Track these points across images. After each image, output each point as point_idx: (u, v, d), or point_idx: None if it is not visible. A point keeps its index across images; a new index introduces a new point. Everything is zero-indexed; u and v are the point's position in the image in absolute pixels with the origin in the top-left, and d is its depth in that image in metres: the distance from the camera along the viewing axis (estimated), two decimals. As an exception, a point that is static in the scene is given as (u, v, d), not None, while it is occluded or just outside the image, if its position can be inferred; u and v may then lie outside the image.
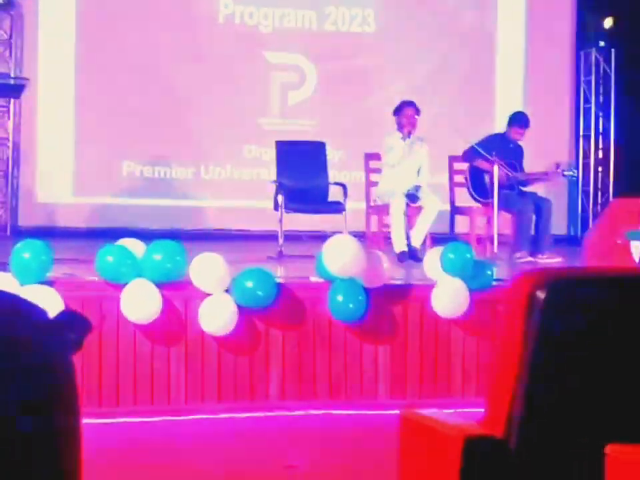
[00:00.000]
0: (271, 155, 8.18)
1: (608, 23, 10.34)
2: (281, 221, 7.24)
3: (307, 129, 9.32)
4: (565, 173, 7.93)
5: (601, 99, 10.31)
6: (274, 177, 7.60)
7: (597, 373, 2.62)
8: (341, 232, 7.14)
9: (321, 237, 8.19)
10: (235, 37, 9.34)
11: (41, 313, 0.96)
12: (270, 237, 8.23)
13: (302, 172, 7.54)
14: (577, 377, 2.61)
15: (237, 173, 9.28)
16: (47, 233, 8.11)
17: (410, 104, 7.46)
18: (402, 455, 2.96)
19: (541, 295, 2.63)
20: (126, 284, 4.98)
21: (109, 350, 5.08)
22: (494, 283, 5.66)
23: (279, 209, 7.26)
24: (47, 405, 1.04)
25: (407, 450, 2.97)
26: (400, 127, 7.45)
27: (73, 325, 1.00)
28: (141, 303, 4.95)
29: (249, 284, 5.16)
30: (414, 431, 2.95)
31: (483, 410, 5.20)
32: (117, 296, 4.99)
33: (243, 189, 9.19)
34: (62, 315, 1.00)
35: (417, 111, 7.46)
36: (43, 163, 8.87)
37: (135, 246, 5.20)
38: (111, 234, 8.18)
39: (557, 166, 7.92)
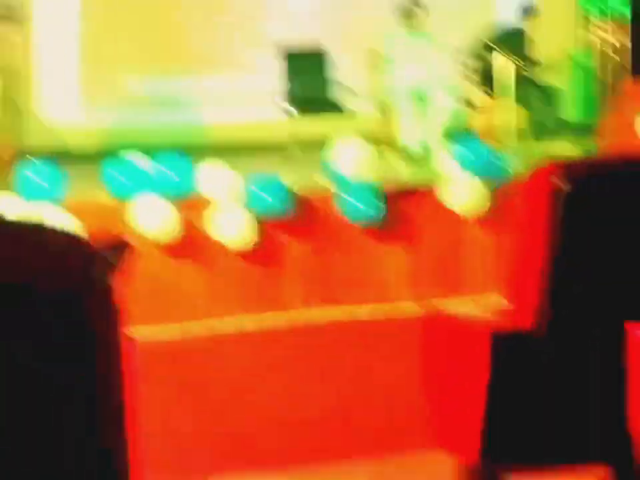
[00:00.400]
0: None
1: None
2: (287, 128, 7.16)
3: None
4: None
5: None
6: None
7: (622, 260, 2.59)
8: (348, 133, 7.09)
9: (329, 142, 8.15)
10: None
11: (72, 238, 0.91)
12: (277, 145, 8.16)
13: (307, 78, 7.43)
14: (602, 267, 2.59)
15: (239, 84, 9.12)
16: (55, 155, 8.05)
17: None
18: (427, 354, 2.95)
19: (563, 187, 2.59)
20: (137, 198, 4.93)
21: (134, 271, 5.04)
22: (510, 177, 5.60)
23: (288, 116, 7.16)
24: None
25: (432, 348, 2.96)
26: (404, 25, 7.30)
27: (110, 248, 0.96)
28: (157, 218, 4.91)
29: (263, 194, 5.12)
30: (439, 329, 2.94)
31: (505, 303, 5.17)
32: (130, 213, 4.95)
33: (246, 100, 9.05)
34: (98, 239, 0.95)
35: (420, 5, 7.28)
36: (46, 85, 8.75)
37: (143, 161, 5.14)
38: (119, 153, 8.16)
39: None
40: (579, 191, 2.64)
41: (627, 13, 9.82)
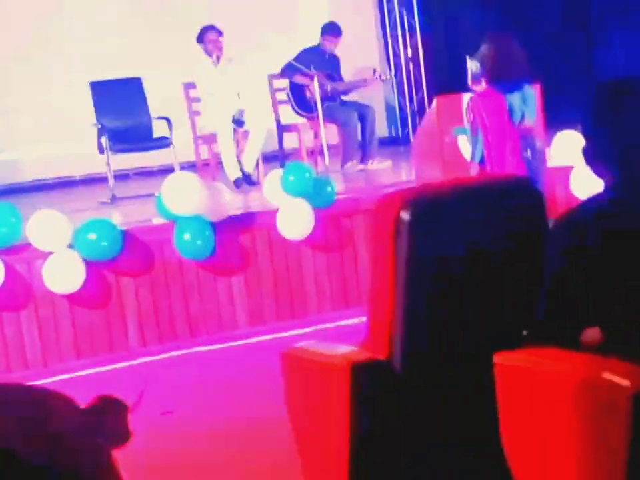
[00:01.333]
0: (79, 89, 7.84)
1: None
2: (108, 164, 7.03)
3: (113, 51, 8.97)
4: (383, 77, 8.05)
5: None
6: (87, 114, 7.32)
7: (473, 285, 2.69)
8: (170, 166, 7.04)
9: (149, 174, 8.08)
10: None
11: (73, 408, 0.86)
12: (93, 180, 8.00)
13: (122, 111, 7.32)
14: (454, 292, 2.68)
15: (47, 117, 8.85)
16: None
17: (211, 28, 7.32)
18: (289, 393, 2.97)
19: (405, 216, 2.67)
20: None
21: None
22: (335, 198, 5.73)
23: (105, 152, 7.04)
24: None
25: (293, 387, 2.98)
26: (208, 53, 7.32)
27: (107, 414, 0.90)
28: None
29: (92, 236, 5.01)
30: (297, 366, 2.96)
31: (343, 323, 5.30)
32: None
33: (56, 134, 8.80)
34: (95, 404, 0.90)
35: (220, 33, 7.33)
36: None
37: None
38: None
39: (374, 71, 8.02)
40: (421, 217, 2.74)
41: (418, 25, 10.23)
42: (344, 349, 2.85)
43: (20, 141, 8.74)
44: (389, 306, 2.72)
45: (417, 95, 10.31)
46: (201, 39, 7.34)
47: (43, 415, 0.81)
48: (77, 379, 5.04)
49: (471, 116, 5.16)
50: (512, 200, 2.82)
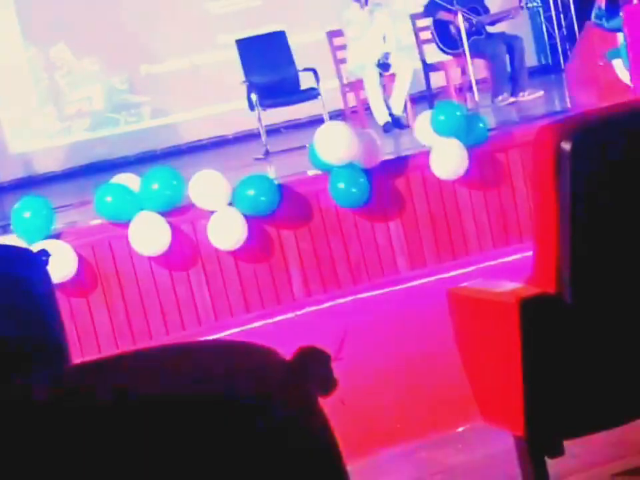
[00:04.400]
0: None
1: None
2: (259, 119, 7.13)
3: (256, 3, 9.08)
4: (529, 4, 7.80)
5: None
6: (237, 71, 7.43)
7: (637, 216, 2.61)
8: (319, 116, 7.08)
9: (300, 126, 8.15)
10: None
11: (280, 359, 0.87)
12: (248, 137, 8.14)
13: (269, 66, 7.39)
14: (620, 223, 2.60)
15: (199, 75, 9.03)
16: (30, 183, 7.99)
17: None
18: (457, 331, 2.97)
19: (566, 146, 2.59)
20: (130, 220, 4.92)
21: (131, 288, 5.06)
22: (487, 135, 5.63)
23: (255, 108, 7.13)
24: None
25: (461, 325, 2.97)
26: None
27: (312, 364, 0.92)
28: (149, 235, 4.91)
29: (251, 192, 5.11)
30: (465, 305, 2.96)
31: (506, 260, 5.22)
32: (125, 234, 4.94)
33: (208, 95, 9.00)
34: (299, 354, 0.91)
35: None
36: (6, 115, 8.66)
37: (129, 180, 5.12)
38: (93, 170, 8.11)
39: (519, 0, 7.78)
40: (582, 147, 2.65)
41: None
42: (511, 285, 2.81)
43: (174, 105, 8.98)
44: (554, 239, 2.67)
45: (565, 20, 9.95)
46: None
47: (253, 366, 0.84)
48: (247, 332, 5.19)
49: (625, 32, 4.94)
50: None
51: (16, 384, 0.87)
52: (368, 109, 7.25)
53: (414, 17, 7.88)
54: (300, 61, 7.53)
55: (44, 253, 1.74)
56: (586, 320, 2.65)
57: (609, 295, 2.61)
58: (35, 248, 4.58)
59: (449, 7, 7.40)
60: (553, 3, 10.00)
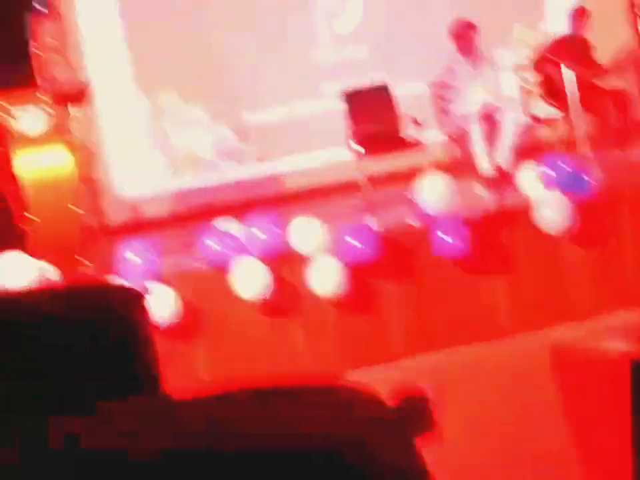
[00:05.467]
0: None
1: None
2: (362, 169, 7.15)
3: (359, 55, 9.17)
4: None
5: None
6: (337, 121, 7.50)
7: None
8: (422, 167, 7.05)
9: (402, 177, 8.12)
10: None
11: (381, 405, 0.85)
12: (350, 187, 8.14)
13: (373, 115, 7.43)
14: None
15: (301, 123, 9.14)
16: (137, 227, 8.14)
17: (471, 25, 7.26)
18: (562, 389, 2.88)
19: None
20: (232, 264, 4.97)
21: (230, 333, 5.09)
22: (595, 187, 5.51)
23: (358, 156, 7.16)
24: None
25: (565, 382, 2.89)
26: (462, 50, 7.27)
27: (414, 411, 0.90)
28: (251, 280, 4.94)
29: (351, 240, 5.11)
30: (571, 362, 2.87)
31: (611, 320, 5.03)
32: (226, 278, 4.99)
33: (312, 142, 9.08)
34: (402, 400, 0.89)
35: (474, 29, 7.25)
36: (116, 160, 8.89)
37: (230, 226, 5.18)
38: (197, 215, 8.23)
39: (628, 53, 7.66)
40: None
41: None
42: (620, 345, 2.73)
43: (277, 152, 9.08)
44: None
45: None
46: (457, 35, 7.31)
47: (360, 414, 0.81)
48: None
49: None
50: None
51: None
52: (472, 160, 7.20)
53: (520, 69, 7.82)
54: (404, 111, 7.54)
55: (144, 290, 1.77)
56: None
57: None
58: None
59: (557, 60, 7.32)
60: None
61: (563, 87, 7.32)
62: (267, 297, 5.02)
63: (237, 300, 5.01)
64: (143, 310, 1.39)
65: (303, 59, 9.13)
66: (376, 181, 7.36)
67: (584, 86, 7.43)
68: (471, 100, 7.23)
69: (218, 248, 4.96)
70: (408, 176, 6.09)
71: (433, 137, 7.41)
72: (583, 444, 2.74)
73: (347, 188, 8.19)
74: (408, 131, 7.42)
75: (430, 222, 5.28)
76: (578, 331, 4.91)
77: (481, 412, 3.92)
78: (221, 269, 5.02)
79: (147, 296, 1.68)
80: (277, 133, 9.09)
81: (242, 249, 5.02)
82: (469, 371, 4.75)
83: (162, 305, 4.60)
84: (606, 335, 2.90)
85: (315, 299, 5.16)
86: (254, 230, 5.03)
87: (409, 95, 8.21)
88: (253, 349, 5.10)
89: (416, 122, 7.27)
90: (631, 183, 5.52)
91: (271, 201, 8.47)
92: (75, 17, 8.77)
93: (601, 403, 2.71)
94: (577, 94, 7.18)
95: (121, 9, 8.89)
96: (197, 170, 9.08)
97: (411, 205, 5.42)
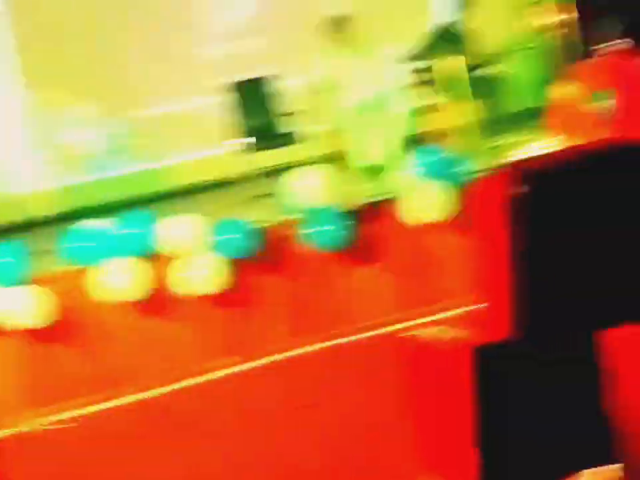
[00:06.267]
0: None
1: None
2: (250, 163, 7.15)
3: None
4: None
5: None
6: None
7: (594, 259, 2.56)
8: (306, 161, 7.06)
9: (284, 170, 8.11)
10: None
11: None
12: (230, 182, 8.11)
13: (261, 109, 7.43)
14: (574, 267, 2.55)
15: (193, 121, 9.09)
16: (15, 228, 7.96)
17: (347, 19, 7.28)
18: (410, 377, 2.92)
19: (520, 189, 2.56)
20: (104, 264, 4.90)
21: (104, 337, 5.03)
22: (470, 178, 5.57)
23: (246, 150, 7.16)
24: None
25: (414, 371, 2.92)
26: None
27: None
28: (126, 279, 4.88)
29: (230, 236, 5.09)
30: (419, 352, 2.91)
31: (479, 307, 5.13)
32: (98, 278, 4.91)
33: (201, 138, 9.02)
34: None
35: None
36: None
37: (104, 225, 5.11)
38: (81, 214, 8.08)
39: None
40: (536, 192, 2.62)
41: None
42: (463, 333, 2.77)
43: (166, 149, 9.00)
44: (506, 284, 2.62)
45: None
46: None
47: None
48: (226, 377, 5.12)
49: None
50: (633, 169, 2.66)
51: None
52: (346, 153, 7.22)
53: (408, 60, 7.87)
54: (287, 106, 7.56)
55: None
56: (537, 367, 2.59)
57: (559, 342, 2.55)
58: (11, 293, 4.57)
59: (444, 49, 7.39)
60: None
61: (445, 75, 7.40)
62: (144, 296, 4.96)
63: (111, 299, 4.94)
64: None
65: (192, 54, 9.07)
66: (259, 174, 7.34)
67: (465, 73, 7.52)
68: (355, 91, 7.24)
69: (91, 247, 4.88)
70: (289, 169, 6.07)
71: (317, 130, 7.42)
72: (426, 434, 2.77)
73: (231, 182, 8.17)
74: (292, 124, 7.43)
75: (308, 214, 5.29)
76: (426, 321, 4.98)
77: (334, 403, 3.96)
78: (94, 268, 4.94)
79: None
80: (164, 129, 9.00)
81: (117, 248, 4.95)
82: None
83: (31, 306, 4.51)
84: (449, 324, 2.93)
85: (194, 295, 5.12)
86: (130, 228, 4.96)
87: (297, 87, 8.21)
88: (128, 348, 5.04)
89: (299, 115, 7.28)
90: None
91: (159, 197, 8.38)
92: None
93: (446, 392, 2.75)
94: (465, 82, 7.25)
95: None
96: (81, 168, 8.94)
97: (290, 197, 5.41)
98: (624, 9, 5.01)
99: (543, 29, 9.95)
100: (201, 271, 5.06)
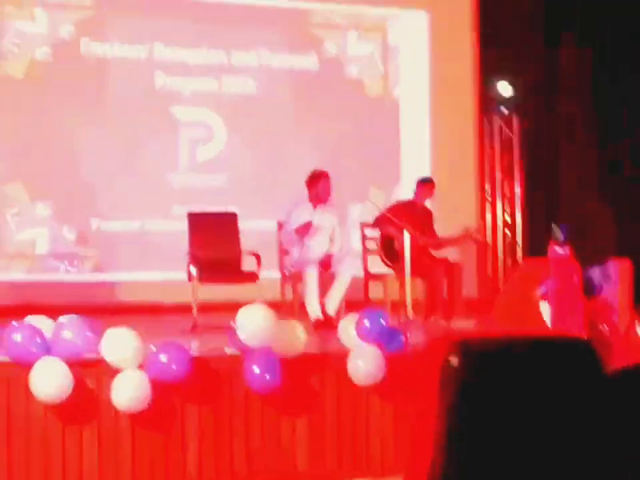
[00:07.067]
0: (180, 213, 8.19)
1: (509, 89, 10.66)
2: (194, 292, 7.19)
3: (216, 184, 9.42)
4: (474, 236, 8.07)
5: (505, 162, 10.59)
6: (185, 243, 7.58)
7: (518, 443, 2.60)
8: (254, 301, 7.13)
9: (235, 307, 8.19)
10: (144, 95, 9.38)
11: None
12: (184, 309, 8.16)
13: (214, 242, 7.53)
14: (502, 449, 2.59)
15: (148, 240, 9.20)
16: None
17: (326, 175, 7.56)
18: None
19: (453, 361, 2.63)
20: (35, 362, 4.85)
21: (19, 432, 4.92)
22: (409, 349, 5.68)
23: (193, 281, 7.21)
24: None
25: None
26: (314, 198, 7.53)
27: None
28: (50, 382, 4.82)
29: (163, 358, 5.07)
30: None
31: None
32: (25, 376, 4.85)
33: (154, 260, 9.12)
34: None
35: (328, 180, 7.57)
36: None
37: (43, 323, 5.08)
38: (20, 312, 8.03)
39: (466, 230, 8.05)
40: (469, 363, 2.67)
41: (518, 191, 10.35)
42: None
43: (117, 263, 9.06)
44: (428, 457, 2.66)
45: (510, 260, 10.31)
46: (313, 183, 7.55)
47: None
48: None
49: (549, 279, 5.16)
50: (565, 360, 2.75)
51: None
52: (303, 303, 7.34)
53: (363, 225, 8.12)
54: (246, 245, 7.68)
55: None
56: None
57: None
58: None
59: (398, 222, 7.64)
60: (502, 241, 10.39)
61: (400, 247, 7.63)
62: (65, 400, 4.90)
63: (33, 400, 4.87)
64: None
65: (161, 180, 9.26)
66: (205, 306, 7.41)
67: (418, 251, 7.75)
68: (312, 245, 7.44)
69: (24, 343, 4.85)
70: (237, 306, 6.14)
71: (271, 276, 7.55)
72: None
73: (176, 309, 8.20)
74: (246, 265, 7.54)
75: (245, 353, 5.32)
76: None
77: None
78: (23, 365, 4.89)
79: None
80: (121, 245, 9.09)
81: (48, 349, 4.91)
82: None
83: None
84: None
85: (114, 409, 5.06)
86: (64, 330, 4.94)
87: (254, 230, 8.41)
88: (42, 450, 4.94)
89: (256, 257, 7.41)
90: (437, 347, 5.72)
91: (101, 309, 8.37)
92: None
93: None
94: (410, 257, 7.47)
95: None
96: (30, 265, 8.93)
97: (232, 333, 5.44)
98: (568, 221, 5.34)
99: (494, 223, 10.37)
100: (125, 387, 5.02)
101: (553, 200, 10.20)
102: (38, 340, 4.89)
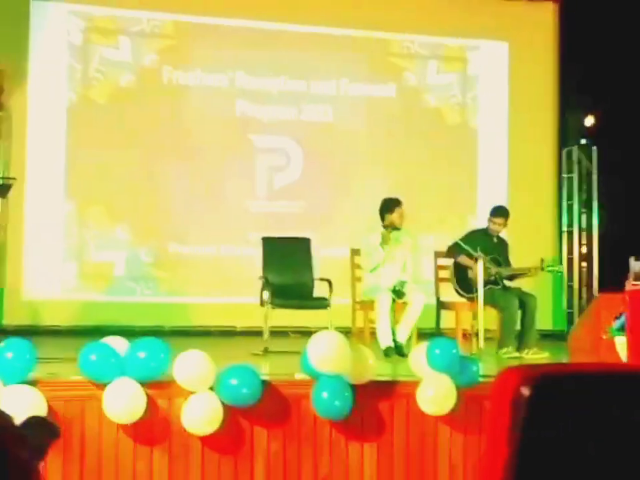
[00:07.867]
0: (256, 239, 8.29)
1: (589, 120, 10.55)
2: (266, 317, 7.24)
3: (292, 211, 9.50)
4: (549, 268, 7.97)
5: (584, 195, 10.45)
6: (259, 268, 7.65)
7: (585, 474, 2.57)
8: (326, 328, 7.16)
9: (307, 333, 8.23)
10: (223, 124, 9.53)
11: (5, 420, 0.94)
12: (255, 333, 8.23)
13: (287, 267, 7.58)
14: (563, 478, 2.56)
15: (222, 265, 9.31)
16: (33, 332, 8.06)
17: (399, 202, 7.57)
18: None
19: (525, 392, 2.61)
20: (109, 382, 4.93)
21: (92, 450, 5.00)
22: (480, 379, 5.63)
23: (265, 305, 7.26)
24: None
25: None
26: (388, 226, 7.54)
27: (38, 432, 0.99)
28: (124, 402, 4.89)
29: (234, 381, 5.12)
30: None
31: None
32: (100, 395, 4.94)
33: (227, 284, 9.21)
34: (28, 421, 0.98)
35: (400, 205, 7.59)
36: (29, 261, 8.89)
37: (118, 344, 5.16)
38: (96, 332, 8.19)
39: (541, 261, 7.96)
40: (541, 395, 2.65)
41: (596, 225, 10.20)
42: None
43: (192, 287, 9.17)
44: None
45: (586, 292, 10.14)
46: (389, 210, 7.56)
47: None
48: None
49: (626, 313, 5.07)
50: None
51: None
52: (374, 331, 7.33)
53: (437, 254, 8.09)
54: (319, 271, 7.72)
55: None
56: None
57: None
58: (9, 391, 4.61)
59: (471, 252, 7.60)
60: (578, 273, 10.23)
61: (473, 277, 7.57)
62: (137, 421, 4.97)
63: (106, 419, 4.95)
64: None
65: (238, 206, 9.37)
66: (277, 331, 7.45)
67: (493, 281, 7.68)
68: (384, 273, 7.44)
69: (97, 362, 4.93)
70: (311, 334, 6.17)
71: (343, 302, 7.57)
72: None
73: (252, 334, 8.27)
74: (318, 291, 7.57)
75: (316, 378, 5.33)
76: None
77: None
78: (97, 385, 4.98)
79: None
80: (195, 268, 9.21)
81: (123, 369, 5.00)
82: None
83: (28, 409, 4.52)
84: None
85: (185, 431, 5.12)
86: (138, 351, 5.02)
87: (328, 256, 8.44)
88: (113, 469, 5.01)
89: (328, 283, 7.43)
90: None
91: (175, 332, 8.50)
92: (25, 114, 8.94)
93: None
94: (484, 287, 7.41)
95: (68, 128, 9.10)
96: (107, 287, 9.10)
97: (301, 358, 5.46)
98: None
99: (571, 256, 10.22)
100: (197, 409, 5.07)
101: (631, 233, 10.02)
102: (113, 360, 4.97)
